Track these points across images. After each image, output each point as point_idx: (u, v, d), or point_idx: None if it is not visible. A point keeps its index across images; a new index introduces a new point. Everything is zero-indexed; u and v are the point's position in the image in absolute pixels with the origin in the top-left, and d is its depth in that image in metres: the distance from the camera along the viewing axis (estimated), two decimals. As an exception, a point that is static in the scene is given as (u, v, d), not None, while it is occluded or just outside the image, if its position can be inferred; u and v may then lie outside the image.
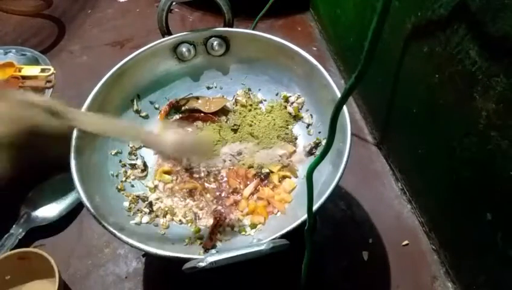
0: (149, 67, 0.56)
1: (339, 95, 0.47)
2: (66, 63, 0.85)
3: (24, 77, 0.70)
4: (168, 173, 0.55)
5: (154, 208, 0.50)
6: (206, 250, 0.45)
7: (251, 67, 0.59)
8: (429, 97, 0.50)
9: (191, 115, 0.59)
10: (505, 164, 0.39)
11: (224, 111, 0.60)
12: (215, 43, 0.57)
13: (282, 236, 0.38)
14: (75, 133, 0.46)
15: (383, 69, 0.60)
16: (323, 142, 0.51)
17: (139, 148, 0.56)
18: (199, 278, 0.52)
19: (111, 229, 0.40)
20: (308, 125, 0.57)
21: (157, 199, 0.52)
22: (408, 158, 0.61)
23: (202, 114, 0.59)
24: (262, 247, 0.36)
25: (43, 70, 0.70)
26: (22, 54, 0.71)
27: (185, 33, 0.56)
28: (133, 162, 0.54)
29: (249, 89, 0.60)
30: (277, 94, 0.59)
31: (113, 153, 0.53)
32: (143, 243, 0.39)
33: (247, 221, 0.50)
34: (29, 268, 0.52)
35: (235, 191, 0.53)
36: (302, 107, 0.57)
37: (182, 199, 0.53)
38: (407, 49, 0.53)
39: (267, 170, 0.54)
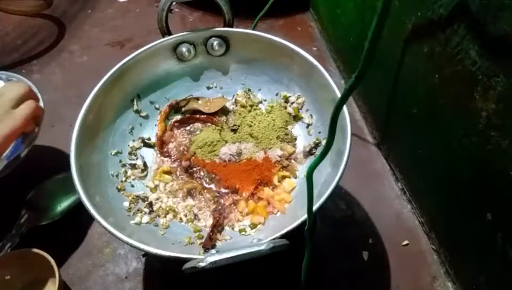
0: (149, 67, 0.56)
1: (339, 95, 0.47)
2: (66, 63, 0.86)
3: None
4: (168, 173, 0.55)
5: (154, 208, 0.50)
6: (206, 250, 0.45)
7: (251, 67, 0.59)
8: (429, 97, 0.50)
9: (192, 116, 0.59)
10: (505, 164, 0.39)
11: (224, 111, 0.60)
12: (215, 43, 0.57)
13: (282, 236, 0.38)
14: (75, 133, 0.46)
15: (383, 69, 0.60)
16: (323, 142, 0.51)
17: (139, 148, 0.56)
18: (199, 278, 0.52)
19: (111, 229, 0.40)
20: (308, 125, 0.57)
21: (157, 199, 0.52)
22: (408, 158, 0.61)
23: (203, 115, 0.59)
24: (262, 247, 0.36)
25: None
26: None
27: (185, 33, 0.56)
28: (133, 162, 0.54)
29: (249, 89, 0.60)
30: (277, 94, 0.59)
31: (113, 153, 0.53)
32: (143, 243, 0.39)
33: (247, 221, 0.50)
34: (29, 268, 0.52)
35: (235, 191, 0.53)
36: (302, 107, 0.57)
37: (182, 199, 0.53)
38: (407, 49, 0.53)
39: (267, 170, 0.54)
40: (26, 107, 0.50)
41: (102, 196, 0.46)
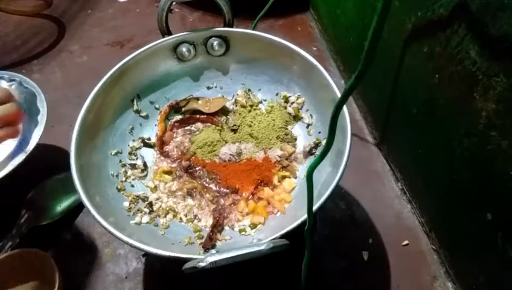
0: (149, 67, 0.56)
1: (339, 95, 0.47)
2: (66, 63, 0.85)
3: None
4: (168, 173, 0.55)
5: (154, 208, 0.51)
6: (206, 250, 0.45)
7: (251, 67, 0.59)
8: (429, 97, 0.50)
9: (192, 117, 0.59)
10: (505, 164, 0.39)
11: (224, 111, 0.60)
12: (215, 43, 0.57)
13: (282, 236, 0.38)
14: (75, 133, 0.46)
15: (383, 69, 0.60)
16: (323, 142, 0.51)
17: (139, 148, 0.56)
18: (199, 278, 0.52)
19: (111, 229, 0.40)
20: (308, 125, 0.57)
21: (157, 199, 0.52)
22: (408, 158, 0.61)
23: (203, 115, 0.59)
24: (262, 247, 0.36)
25: None
26: (24, 86, 0.68)
27: (185, 33, 0.56)
28: (133, 162, 0.54)
29: (249, 89, 0.60)
30: (277, 94, 0.59)
31: (113, 153, 0.53)
32: (143, 243, 0.39)
33: (247, 221, 0.50)
34: (29, 268, 0.52)
35: (235, 191, 0.53)
36: (302, 107, 0.57)
37: (182, 199, 0.53)
38: (407, 49, 0.53)
39: (267, 170, 0.54)
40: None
41: (102, 196, 0.46)
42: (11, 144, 0.58)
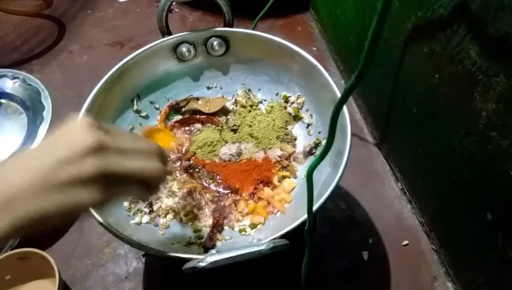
0: (149, 67, 0.56)
1: (339, 95, 0.47)
2: (66, 63, 0.85)
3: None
4: (168, 173, 0.55)
5: (154, 208, 0.50)
6: (206, 250, 0.45)
7: (251, 67, 0.59)
8: (429, 97, 0.50)
9: (192, 117, 0.59)
10: (505, 164, 0.39)
11: (224, 111, 0.60)
12: (215, 43, 0.57)
13: (282, 236, 0.38)
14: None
15: (383, 69, 0.60)
16: (323, 142, 0.51)
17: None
18: (199, 278, 0.52)
19: (111, 229, 0.40)
20: (308, 125, 0.57)
21: (157, 199, 0.52)
22: (408, 158, 0.61)
23: (203, 116, 0.59)
24: (262, 247, 0.36)
25: None
26: (28, 84, 0.67)
27: (185, 33, 0.56)
28: (133, 162, 0.54)
29: (249, 89, 0.60)
30: (277, 94, 0.59)
31: (113, 153, 0.53)
32: (143, 243, 0.39)
33: (247, 221, 0.50)
34: (29, 268, 0.52)
35: (235, 191, 0.53)
36: (302, 107, 0.57)
37: (182, 199, 0.52)
38: (407, 49, 0.53)
39: (267, 170, 0.54)
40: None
41: (102, 196, 0.46)
42: (17, 140, 0.57)
